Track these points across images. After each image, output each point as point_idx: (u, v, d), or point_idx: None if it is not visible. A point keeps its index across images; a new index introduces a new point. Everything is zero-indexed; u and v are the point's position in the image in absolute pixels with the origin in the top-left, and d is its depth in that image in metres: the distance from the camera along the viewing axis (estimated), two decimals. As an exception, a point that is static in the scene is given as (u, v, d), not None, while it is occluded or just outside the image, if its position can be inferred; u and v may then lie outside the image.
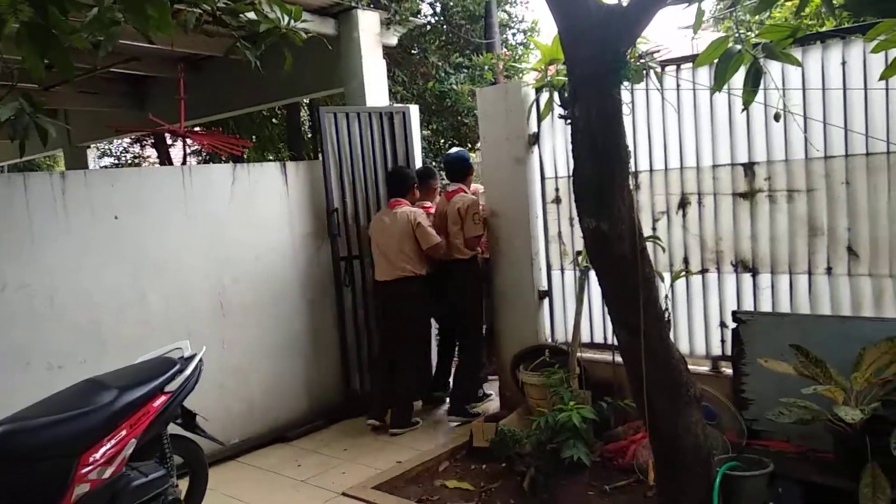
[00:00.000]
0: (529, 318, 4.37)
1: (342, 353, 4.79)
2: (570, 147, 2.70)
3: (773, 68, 3.16)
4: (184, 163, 4.76)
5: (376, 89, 5.07)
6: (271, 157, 9.87)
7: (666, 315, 2.77)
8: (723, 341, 3.66)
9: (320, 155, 4.72)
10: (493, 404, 4.76)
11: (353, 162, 4.76)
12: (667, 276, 3.55)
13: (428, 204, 4.69)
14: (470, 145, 9.27)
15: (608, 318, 3.00)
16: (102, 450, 2.58)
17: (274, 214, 4.57)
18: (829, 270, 3.32)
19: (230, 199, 4.35)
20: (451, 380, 4.85)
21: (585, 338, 4.15)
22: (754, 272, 3.53)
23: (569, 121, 2.60)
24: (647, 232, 3.46)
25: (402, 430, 4.37)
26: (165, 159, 10.09)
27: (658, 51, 2.94)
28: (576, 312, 3.87)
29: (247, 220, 4.41)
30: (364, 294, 4.81)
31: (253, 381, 4.44)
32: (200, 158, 10.59)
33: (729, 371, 3.56)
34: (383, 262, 4.44)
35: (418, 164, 5.04)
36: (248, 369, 4.42)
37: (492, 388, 4.87)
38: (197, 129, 7.15)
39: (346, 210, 4.74)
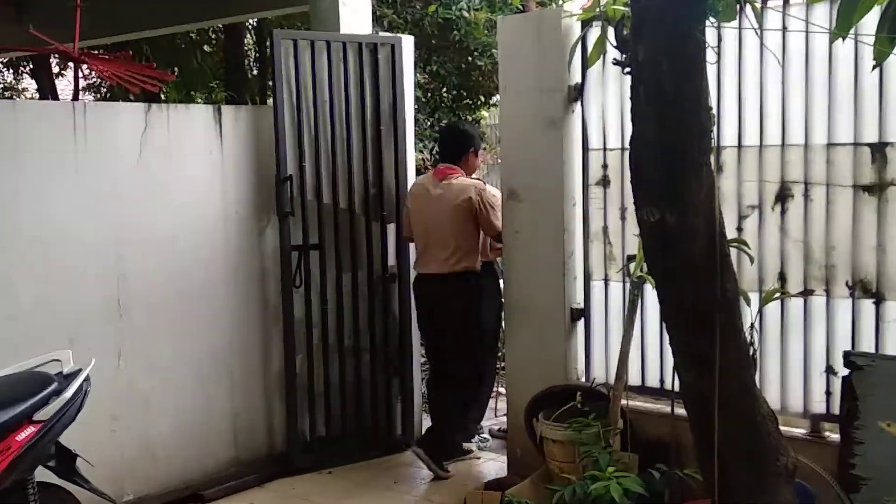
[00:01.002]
0: (556, 346, 4.39)
1: (288, 381, 4.80)
2: (627, 106, 2.70)
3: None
4: (75, 98, 4.73)
5: (355, 10, 5.08)
6: (200, 99, 9.85)
7: (751, 351, 2.77)
8: (828, 394, 3.67)
9: (271, 99, 4.72)
10: (488, 465, 4.79)
11: (318, 111, 4.76)
12: (754, 297, 3.55)
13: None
14: (482, 99, 9.27)
15: (668, 350, 3.00)
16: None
17: (201, 179, 4.57)
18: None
19: (139, 153, 4.34)
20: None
21: (635, 378, 4.15)
22: (878, 298, 3.54)
23: (627, 68, 2.59)
24: (730, 233, 3.47)
25: (449, 463, 4.68)
26: (49, 93, 10.05)
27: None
28: (623, 341, 3.87)
29: (162, 186, 4.41)
30: (323, 300, 4.82)
31: (159, 412, 4.44)
32: (99, 95, 10.56)
33: (835, 436, 3.57)
34: (430, 249, 4.70)
35: (409, 117, 5.04)
36: (153, 395, 4.42)
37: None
38: (96, 52, 7.12)
39: (305, 179, 4.74)
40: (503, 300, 4.64)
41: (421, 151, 8.55)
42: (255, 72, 10.43)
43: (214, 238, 4.63)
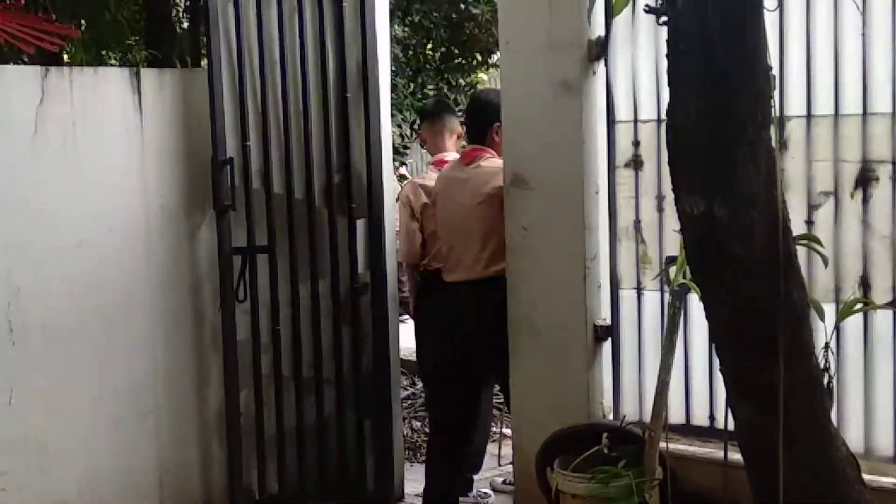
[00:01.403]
0: (575, 374, 4.39)
1: (230, 424, 4.79)
2: (663, 66, 2.70)
3: None
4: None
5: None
6: (114, 60, 9.83)
7: (826, 379, 2.78)
8: (925, 433, 3.69)
9: (206, 60, 4.72)
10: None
11: (266, 75, 4.76)
12: (829, 309, 3.55)
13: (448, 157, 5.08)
14: (479, 57, 9.27)
15: (719, 379, 3.00)
16: None
17: (115, 165, 4.57)
18: None
19: (34, 132, 4.33)
20: None
21: (677, 415, 4.15)
22: None
23: (663, 17, 2.59)
24: (797, 227, 3.48)
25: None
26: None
27: None
28: (661, 367, 3.87)
29: (64, 174, 4.41)
30: (275, 318, 4.82)
31: (62, 465, 4.43)
32: (-17, 56, 10.53)
33: (934, 488, 3.58)
34: (455, 250, 4.72)
35: (384, 82, 5.05)
36: (54, 444, 4.41)
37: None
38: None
39: (249, 163, 4.74)
40: (509, 315, 4.64)
41: (399, 125, 8.55)
42: (184, 25, 10.39)
43: (133, 240, 4.63)
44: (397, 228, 5.27)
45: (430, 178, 5.02)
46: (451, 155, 5.10)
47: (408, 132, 8.93)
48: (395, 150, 7.67)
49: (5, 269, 4.25)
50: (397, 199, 5.36)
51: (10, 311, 4.27)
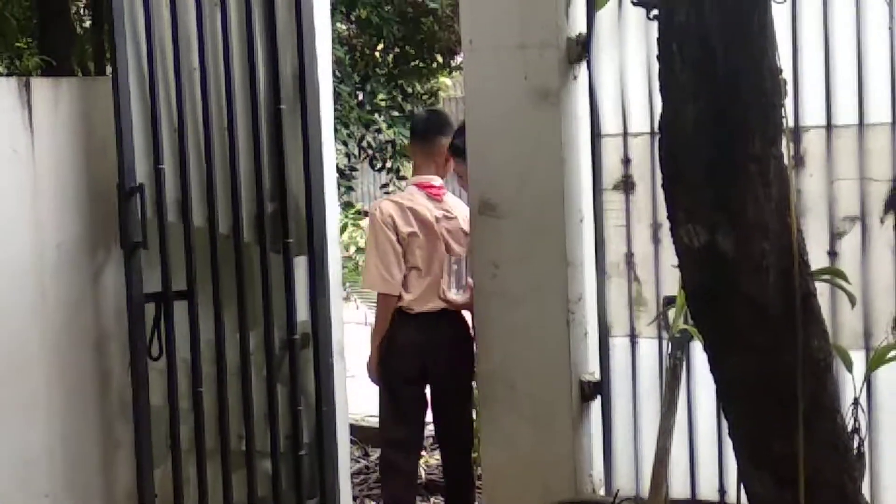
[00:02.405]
0: (559, 441, 4.40)
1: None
2: (655, 69, 2.71)
3: None
4: None
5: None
6: (0, 68, 9.80)
7: (855, 442, 2.78)
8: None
9: (110, 66, 4.70)
10: None
11: (183, 84, 4.75)
12: (858, 357, 3.57)
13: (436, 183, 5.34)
14: (439, 59, 9.30)
15: (729, 445, 3.00)
16: None
17: (1, 195, 4.53)
18: None
19: None
20: None
21: (680, 488, 4.17)
22: None
23: (654, 10, 2.62)
24: (817, 260, 3.49)
25: None
26: None
27: None
28: (660, 430, 3.87)
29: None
30: (196, 379, 4.78)
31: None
32: None
33: None
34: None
35: (325, 90, 5.05)
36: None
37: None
38: None
39: (163, 190, 4.70)
40: (478, 368, 4.64)
41: (345, 143, 8.54)
42: (85, 24, 10.38)
43: (23, 286, 4.58)
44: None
45: (419, 202, 5.15)
46: (437, 180, 5.29)
47: (355, 151, 8.90)
48: (341, 173, 7.66)
49: None
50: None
51: None
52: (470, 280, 4.89)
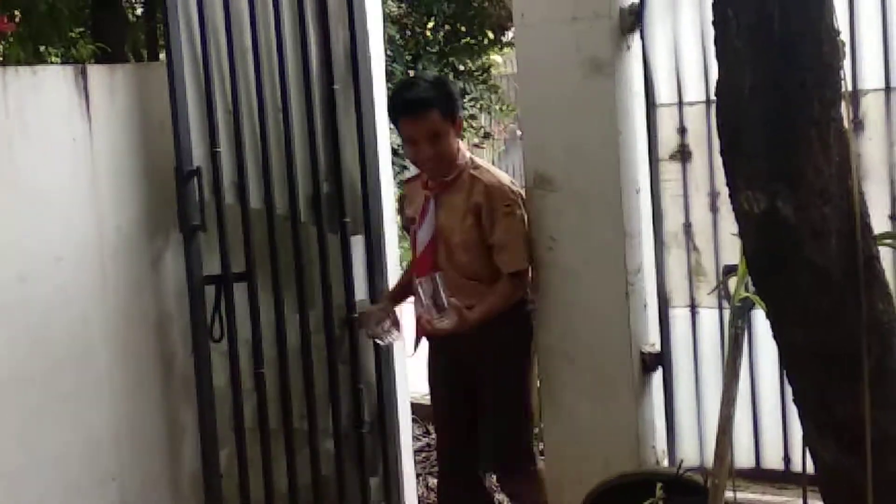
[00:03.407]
0: (620, 413, 4.40)
1: (209, 490, 4.80)
2: (710, 36, 2.71)
3: None
4: None
5: None
6: (56, 57, 9.87)
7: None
8: None
9: (164, 53, 4.74)
10: None
11: (236, 67, 4.79)
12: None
13: None
14: (490, 36, 9.28)
15: (794, 413, 3.00)
16: None
17: (62, 182, 4.58)
18: None
19: (-38, 144, 4.35)
20: None
21: (744, 458, 4.17)
22: None
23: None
24: (879, 225, 3.47)
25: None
26: None
27: None
28: (723, 400, 3.86)
29: (1, 193, 4.40)
30: (258, 360, 4.83)
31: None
32: None
33: None
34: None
35: (377, 69, 5.07)
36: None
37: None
38: None
39: (220, 173, 4.75)
40: (532, 347, 4.64)
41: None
42: (137, 13, 10.45)
43: (86, 271, 4.63)
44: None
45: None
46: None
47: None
48: (395, 152, 7.67)
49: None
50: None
51: (-64, 362, 4.27)
52: (453, 300, 4.31)
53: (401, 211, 4.91)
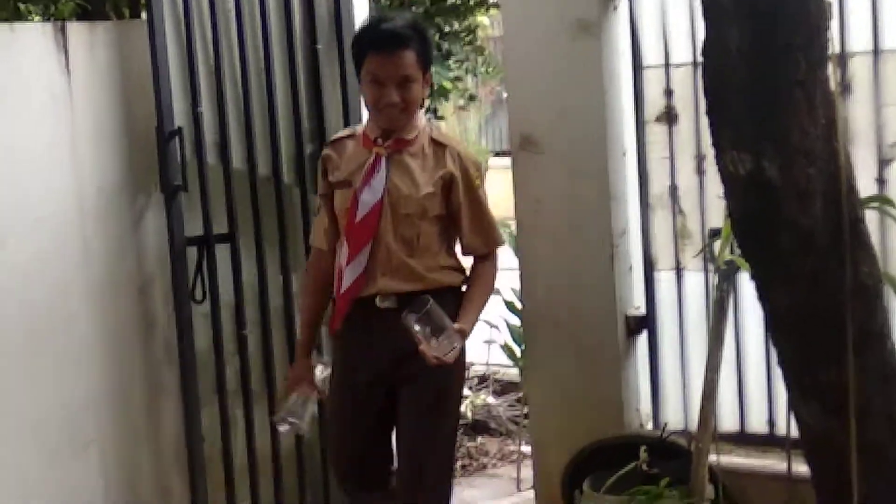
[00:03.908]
0: (605, 376, 4.41)
1: (191, 451, 4.79)
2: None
3: None
4: None
5: None
6: (35, 14, 9.79)
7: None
8: None
9: (145, 10, 4.70)
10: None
11: (218, 25, 4.76)
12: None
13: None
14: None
15: (778, 376, 3.00)
16: None
17: (41, 141, 4.56)
18: None
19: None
20: None
21: (729, 421, 4.20)
22: None
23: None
24: (866, 188, 3.46)
25: None
26: None
27: None
28: (708, 364, 3.87)
29: (-24, 157, 4.39)
30: (240, 321, 4.84)
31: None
32: None
33: None
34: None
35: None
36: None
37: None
38: None
39: (202, 133, 4.73)
40: (522, 307, 4.62)
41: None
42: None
43: (65, 234, 4.61)
44: None
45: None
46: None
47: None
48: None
49: None
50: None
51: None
52: (454, 324, 3.71)
53: (324, 174, 4.04)
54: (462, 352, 3.83)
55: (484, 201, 3.97)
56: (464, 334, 3.78)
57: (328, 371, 4.07)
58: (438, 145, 3.94)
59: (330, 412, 4.22)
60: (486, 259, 3.97)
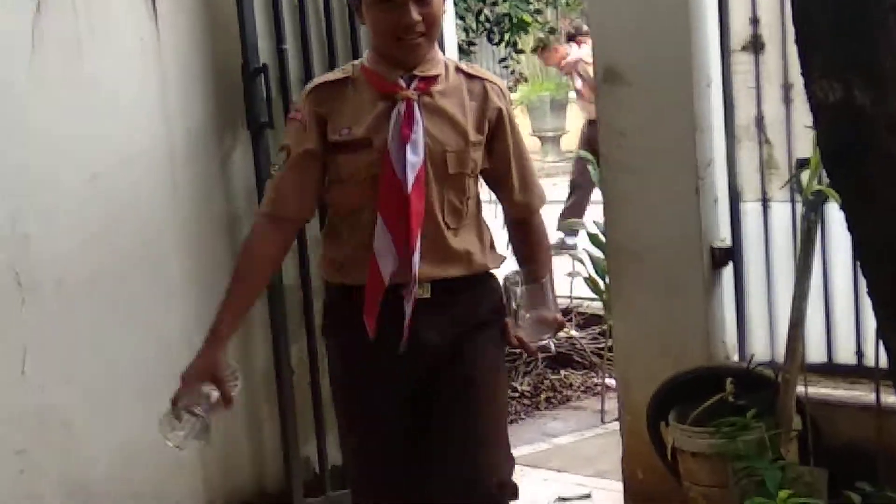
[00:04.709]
0: (690, 309, 4.40)
1: (280, 387, 4.88)
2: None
3: None
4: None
5: None
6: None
7: None
8: None
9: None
10: (599, 496, 4.88)
11: (301, -35, 4.78)
12: None
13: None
14: None
15: (866, 306, 2.99)
16: None
17: (130, 83, 4.60)
18: None
19: (31, 49, 4.34)
20: None
21: (816, 353, 4.17)
22: None
23: None
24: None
25: None
26: None
27: None
28: (795, 295, 3.86)
29: (69, 98, 4.43)
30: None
31: (88, 443, 4.52)
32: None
33: None
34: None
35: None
36: (78, 418, 4.49)
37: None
38: None
39: (287, 70, 4.75)
40: (606, 240, 4.61)
41: (462, 18, 8.51)
42: None
43: (156, 171, 4.66)
44: None
45: None
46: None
47: (472, 25, 8.86)
48: (459, 49, 7.63)
49: (9, 214, 4.26)
50: None
51: (16, 262, 4.29)
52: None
53: (315, 126, 3.17)
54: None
55: (526, 148, 3.40)
56: (561, 325, 3.26)
57: (238, 383, 3.35)
58: (472, 79, 3.23)
59: (353, 439, 3.43)
60: (535, 216, 3.39)
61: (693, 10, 4.23)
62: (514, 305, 3.09)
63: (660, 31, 4.29)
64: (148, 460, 4.66)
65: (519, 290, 3.07)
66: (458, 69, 3.22)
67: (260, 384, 4.95)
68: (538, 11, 10.46)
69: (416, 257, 3.05)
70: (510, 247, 3.44)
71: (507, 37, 9.45)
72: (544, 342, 3.22)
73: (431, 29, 3.06)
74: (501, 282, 3.19)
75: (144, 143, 4.64)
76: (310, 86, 3.33)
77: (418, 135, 3.06)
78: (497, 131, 3.20)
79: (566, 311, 7.18)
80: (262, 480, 5.00)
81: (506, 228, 3.45)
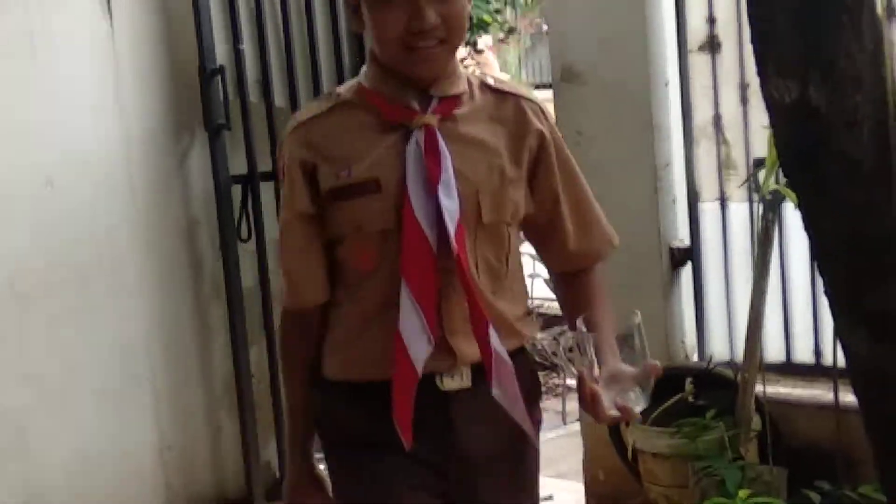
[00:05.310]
0: (649, 308, 4.32)
1: (240, 389, 4.86)
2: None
3: None
4: None
5: None
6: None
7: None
8: None
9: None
10: (561, 498, 4.82)
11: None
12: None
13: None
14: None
15: (825, 306, 2.98)
16: None
17: (85, 83, 4.58)
18: None
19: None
20: None
21: (775, 352, 4.18)
22: None
23: None
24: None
25: None
26: None
27: None
28: (753, 294, 3.86)
29: (22, 100, 4.41)
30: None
31: (44, 447, 4.49)
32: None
33: None
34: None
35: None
36: (34, 422, 4.47)
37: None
38: None
39: (244, 71, 4.75)
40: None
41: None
42: None
43: (112, 175, 4.64)
44: None
45: None
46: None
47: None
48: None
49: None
50: None
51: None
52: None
53: (304, 179, 2.41)
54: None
55: (582, 177, 2.65)
56: (658, 373, 2.40)
57: None
58: (503, 96, 2.48)
59: None
60: (596, 266, 2.73)
61: (650, 9, 4.23)
62: (590, 355, 2.29)
63: (617, 31, 4.28)
64: (107, 465, 4.65)
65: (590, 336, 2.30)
66: (483, 85, 2.46)
67: (219, 389, 4.93)
68: (497, 11, 10.48)
69: (492, 332, 2.32)
70: (564, 308, 2.75)
71: (466, 35, 9.47)
72: (632, 402, 2.33)
73: (453, 34, 2.32)
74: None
75: (100, 146, 4.62)
76: (290, 125, 2.46)
77: (449, 173, 2.30)
78: (540, 163, 2.48)
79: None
80: (223, 485, 4.98)
81: (555, 285, 2.79)
